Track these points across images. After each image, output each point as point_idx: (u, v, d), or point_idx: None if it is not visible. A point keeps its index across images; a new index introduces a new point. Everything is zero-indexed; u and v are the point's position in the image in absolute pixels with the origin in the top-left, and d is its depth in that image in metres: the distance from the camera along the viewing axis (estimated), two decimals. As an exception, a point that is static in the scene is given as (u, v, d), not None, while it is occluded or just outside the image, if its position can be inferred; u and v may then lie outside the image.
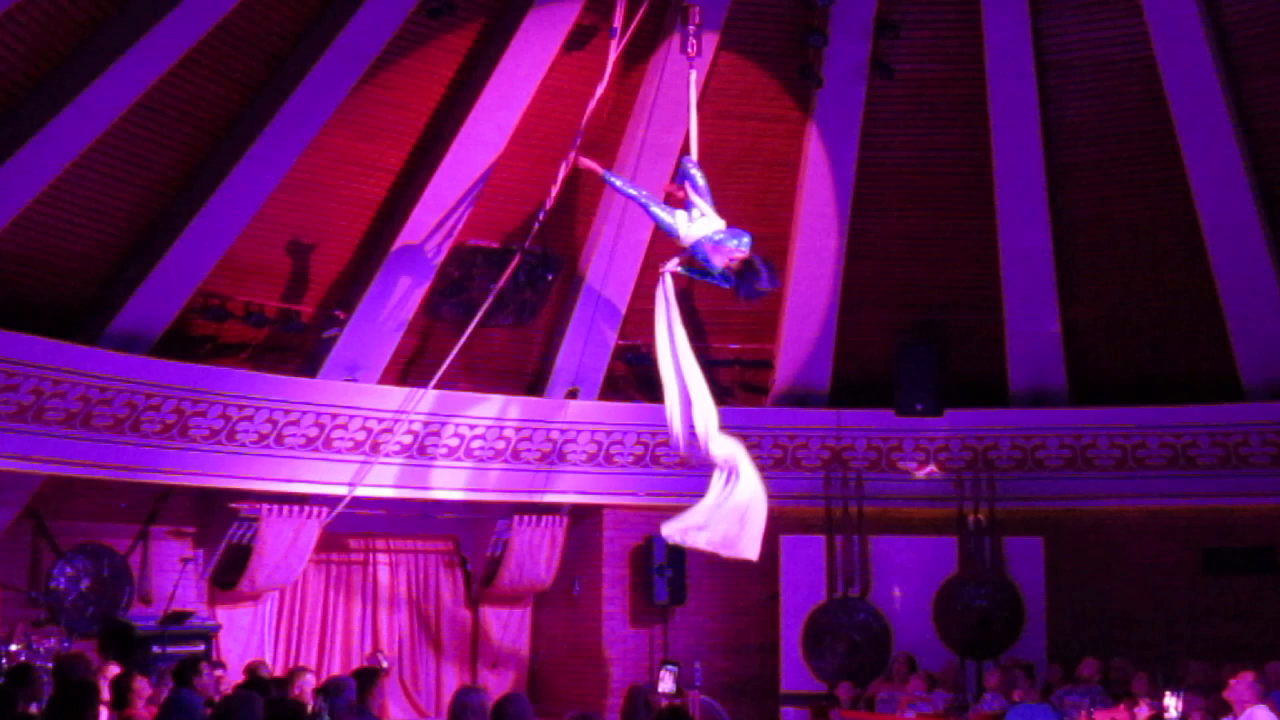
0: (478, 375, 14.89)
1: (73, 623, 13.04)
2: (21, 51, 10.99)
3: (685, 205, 11.33)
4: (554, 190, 13.50)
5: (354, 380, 14.07)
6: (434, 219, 13.76)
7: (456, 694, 7.84)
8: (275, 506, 14.07)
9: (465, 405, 14.67)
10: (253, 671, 11.25)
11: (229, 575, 14.23)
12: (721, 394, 15.51)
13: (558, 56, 13.45)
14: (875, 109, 14.42)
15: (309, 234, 13.62)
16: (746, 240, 11.05)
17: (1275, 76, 13.52)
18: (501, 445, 14.96)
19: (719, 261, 11.09)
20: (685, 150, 12.00)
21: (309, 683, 10.63)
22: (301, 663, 14.02)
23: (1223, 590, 15.07)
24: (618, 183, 11.96)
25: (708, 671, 15.28)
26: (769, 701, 15.54)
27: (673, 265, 11.55)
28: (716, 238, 11.09)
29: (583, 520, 15.90)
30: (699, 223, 11.19)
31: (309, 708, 8.85)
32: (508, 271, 13.89)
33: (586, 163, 12.34)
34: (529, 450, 15.13)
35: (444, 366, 13.76)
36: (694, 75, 12.21)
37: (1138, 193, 14.59)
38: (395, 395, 14.22)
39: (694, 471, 15.43)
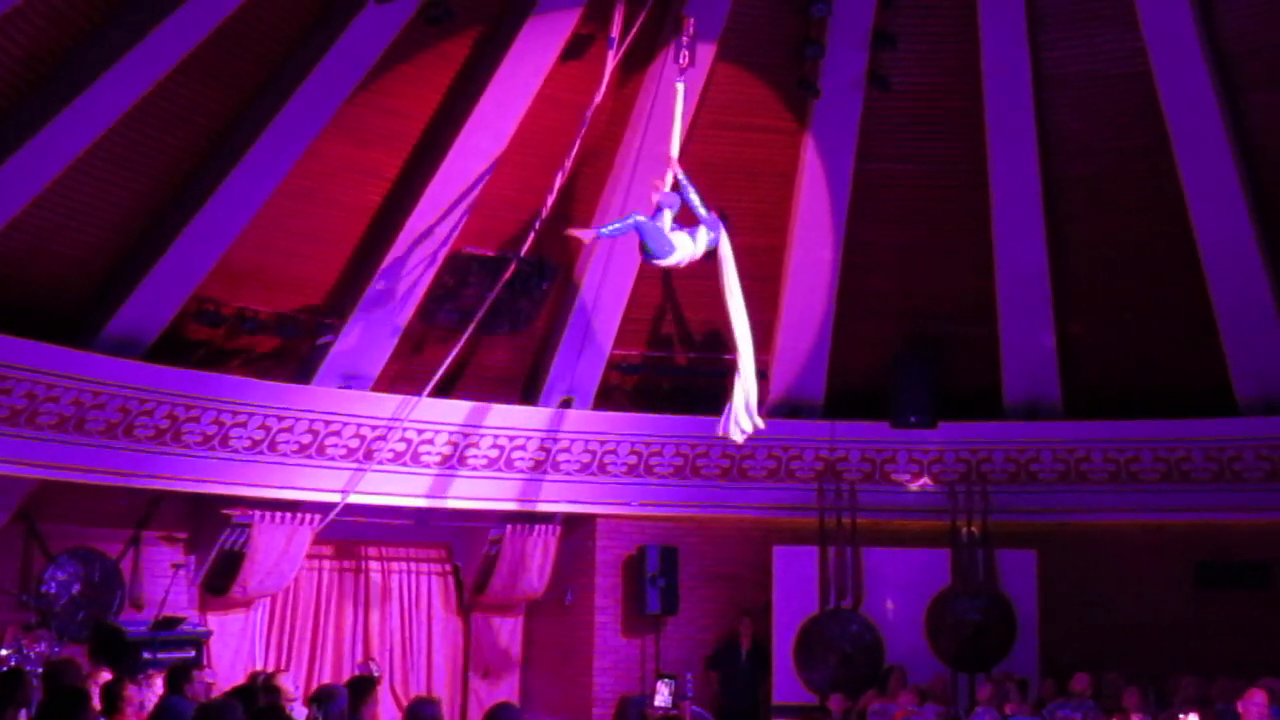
0: (472, 383, 14.87)
1: (63, 627, 12.99)
2: (19, 55, 10.97)
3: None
4: (550, 199, 13.53)
5: (348, 387, 14.05)
6: (430, 226, 13.75)
7: (410, 707, 7.80)
8: (267, 513, 14.03)
9: (459, 413, 14.64)
10: (266, 681, 11.22)
11: (220, 581, 14.19)
12: (716, 404, 15.60)
13: (555, 65, 13.46)
14: (872, 121, 14.44)
15: (305, 240, 13.59)
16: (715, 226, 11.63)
17: (1272, 92, 13.55)
18: (495, 453, 14.94)
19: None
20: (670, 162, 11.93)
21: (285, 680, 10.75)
22: (291, 670, 14.03)
23: (1216, 605, 15.06)
24: (610, 229, 11.70)
25: (699, 683, 15.27)
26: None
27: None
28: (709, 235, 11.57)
29: (575, 529, 15.88)
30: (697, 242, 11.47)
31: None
32: (503, 279, 13.90)
33: (575, 233, 12.34)
34: (522, 459, 15.11)
35: (438, 374, 13.75)
36: (682, 88, 12.25)
37: (1134, 206, 14.60)
38: (389, 402, 14.20)
39: (686, 482, 15.56)
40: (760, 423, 12.23)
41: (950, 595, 15.44)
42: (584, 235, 12.22)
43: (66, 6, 10.96)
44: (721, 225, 11.72)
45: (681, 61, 12.26)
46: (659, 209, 11.48)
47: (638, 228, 11.24)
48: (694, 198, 11.52)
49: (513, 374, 15.26)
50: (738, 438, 12.26)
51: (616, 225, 11.56)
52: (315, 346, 13.98)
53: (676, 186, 11.61)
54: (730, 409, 12.11)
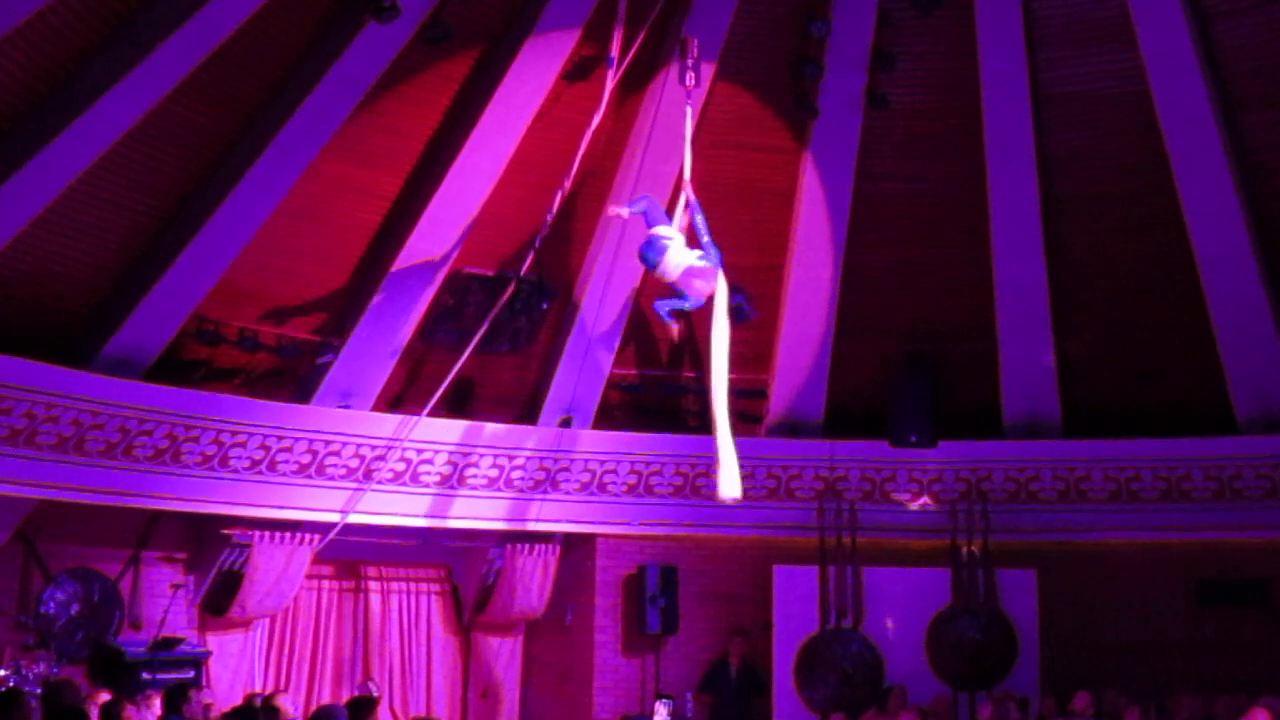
0: (471, 403, 14.86)
1: (62, 648, 12.96)
2: (19, 75, 10.99)
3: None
4: (549, 218, 13.55)
5: (347, 407, 14.04)
6: (430, 246, 13.76)
7: None
8: (267, 533, 14.01)
9: (458, 433, 14.64)
10: (265, 702, 11.22)
11: (220, 601, 14.16)
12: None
13: (555, 85, 13.48)
14: (871, 139, 14.45)
15: (305, 259, 13.60)
16: (713, 256, 11.43)
17: (1270, 110, 13.56)
18: (494, 473, 14.93)
19: (701, 288, 11.42)
20: (681, 185, 11.98)
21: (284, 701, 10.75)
22: (290, 690, 14.01)
23: (1216, 623, 15.05)
24: (637, 207, 11.90)
25: (698, 703, 15.23)
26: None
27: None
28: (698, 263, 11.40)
29: (575, 549, 15.85)
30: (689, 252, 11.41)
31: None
32: (503, 299, 13.91)
33: (612, 209, 12.49)
34: (522, 478, 15.10)
35: (438, 394, 13.75)
36: (690, 110, 12.27)
37: (1132, 225, 14.61)
38: (388, 422, 14.19)
39: (687, 501, 15.55)
40: (738, 493, 11.95)
41: (951, 614, 15.40)
42: (621, 211, 12.26)
43: (66, 27, 10.97)
44: (719, 261, 11.67)
45: (688, 83, 12.28)
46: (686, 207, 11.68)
47: (650, 205, 11.56)
48: (700, 221, 11.55)
49: (512, 393, 15.25)
50: (736, 494, 11.97)
51: (640, 205, 11.82)
52: (315, 366, 13.98)
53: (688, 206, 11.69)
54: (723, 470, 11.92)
